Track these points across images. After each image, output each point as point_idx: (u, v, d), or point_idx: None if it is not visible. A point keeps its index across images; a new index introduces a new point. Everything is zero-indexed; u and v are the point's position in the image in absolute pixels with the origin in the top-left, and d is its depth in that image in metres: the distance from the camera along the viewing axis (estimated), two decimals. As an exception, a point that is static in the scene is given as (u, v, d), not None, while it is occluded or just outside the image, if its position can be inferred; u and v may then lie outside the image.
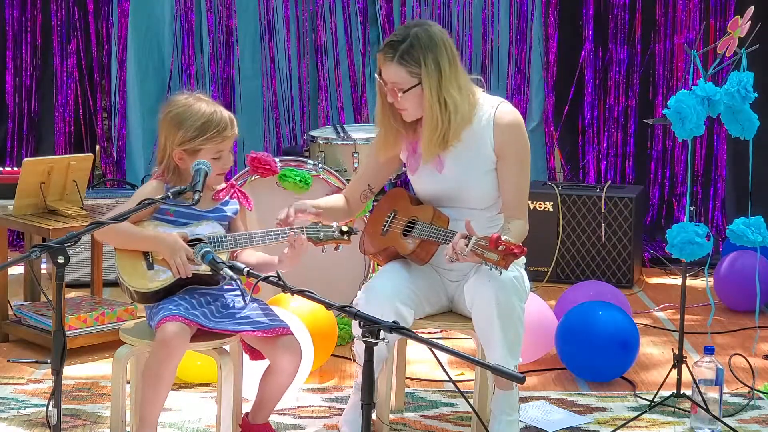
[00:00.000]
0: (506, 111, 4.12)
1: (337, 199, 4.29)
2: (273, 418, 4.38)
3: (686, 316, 4.82)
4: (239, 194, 4.06)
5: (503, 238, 3.74)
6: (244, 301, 3.76)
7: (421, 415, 4.49)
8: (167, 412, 4.42)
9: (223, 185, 4.04)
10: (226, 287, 3.97)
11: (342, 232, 3.99)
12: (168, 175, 3.95)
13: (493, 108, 4.11)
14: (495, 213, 4.18)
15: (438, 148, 4.06)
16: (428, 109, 4.01)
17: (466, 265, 4.05)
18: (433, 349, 2.99)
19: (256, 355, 4.00)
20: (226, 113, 3.95)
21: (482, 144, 4.10)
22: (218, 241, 3.90)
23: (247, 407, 4.38)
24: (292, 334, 3.91)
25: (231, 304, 3.95)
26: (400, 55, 3.98)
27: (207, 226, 3.93)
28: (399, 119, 4.13)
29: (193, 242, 3.86)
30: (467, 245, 3.78)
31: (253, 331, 3.87)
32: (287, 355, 3.90)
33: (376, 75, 4.09)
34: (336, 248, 4.02)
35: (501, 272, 3.81)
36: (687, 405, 4.43)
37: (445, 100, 4.00)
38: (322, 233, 3.97)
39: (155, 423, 3.86)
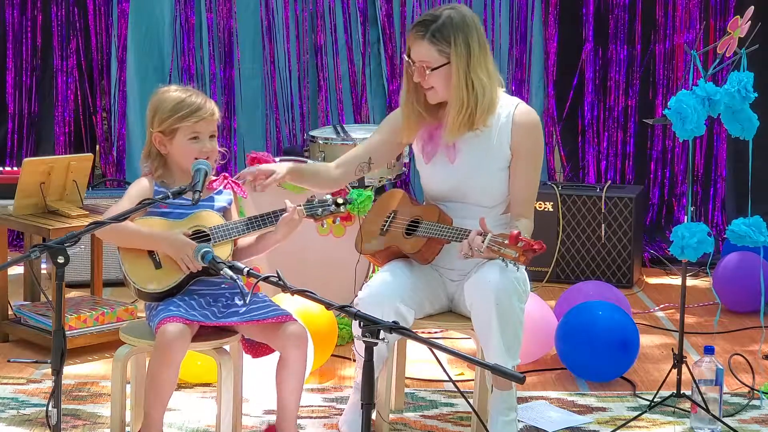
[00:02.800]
0: (525, 111, 4.16)
1: (322, 165, 4.31)
2: (272, 417, 4.38)
3: (686, 316, 4.82)
4: (232, 184, 4.07)
5: (523, 234, 3.76)
6: (244, 301, 3.75)
7: (421, 415, 4.49)
8: (167, 412, 4.42)
9: (214, 177, 4.05)
10: (225, 285, 3.97)
11: (338, 205, 4.03)
12: (151, 163, 3.96)
13: (513, 106, 4.15)
14: (501, 212, 4.19)
15: (464, 128, 4.08)
16: (455, 88, 4.04)
17: (467, 265, 4.07)
18: (433, 349, 2.99)
19: (257, 352, 3.99)
20: (202, 97, 3.97)
21: (499, 140, 4.12)
22: (221, 231, 3.90)
23: (248, 408, 4.38)
24: (296, 321, 3.90)
25: (231, 302, 3.94)
26: (431, 33, 4.03)
27: (207, 214, 3.93)
28: (422, 102, 4.14)
29: (195, 235, 3.86)
30: (484, 241, 3.80)
31: (257, 320, 3.86)
32: (293, 340, 3.86)
33: (404, 56, 4.11)
34: (333, 221, 4.10)
35: (518, 268, 3.85)
36: (687, 405, 4.43)
37: (472, 82, 4.04)
38: (320, 209, 4.02)
39: (160, 423, 3.86)
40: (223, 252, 3.87)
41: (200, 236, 3.89)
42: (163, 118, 3.92)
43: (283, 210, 3.98)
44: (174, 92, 3.96)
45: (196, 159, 3.88)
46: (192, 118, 3.91)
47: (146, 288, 3.87)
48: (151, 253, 3.89)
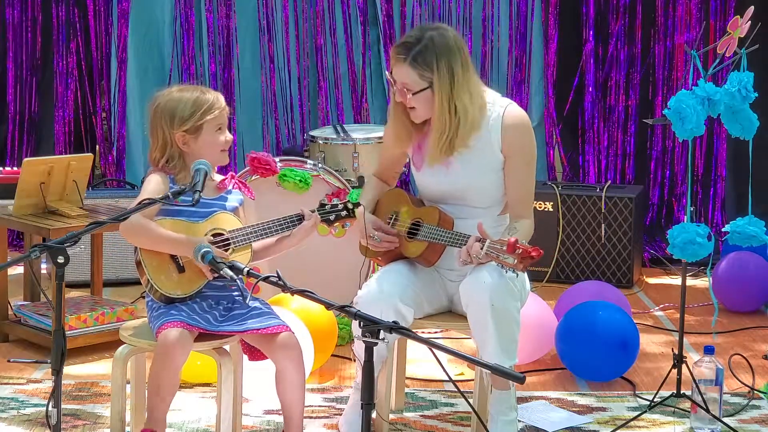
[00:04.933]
0: (513, 113, 4.13)
1: (381, 187, 4.37)
2: (271, 417, 4.39)
3: (686, 316, 4.82)
4: (240, 184, 4.07)
5: (520, 242, 3.76)
6: (245, 301, 3.76)
7: (421, 415, 4.49)
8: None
9: (221, 177, 4.06)
10: (229, 287, 3.96)
11: (348, 210, 4.08)
12: (171, 163, 3.95)
13: (502, 108, 4.13)
14: (498, 212, 4.19)
15: (443, 154, 4.08)
16: (438, 113, 4.02)
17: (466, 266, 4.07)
18: (433, 349, 2.99)
19: (255, 355, 4.00)
20: (210, 91, 4.00)
21: (490, 144, 4.11)
22: (240, 235, 3.91)
23: (248, 408, 4.38)
24: (289, 331, 3.89)
25: (232, 306, 3.94)
26: (412, 57, 3.99)
27: (223, 216, 3.94)
28: (408, 117, 4.14)
29: (215, 240, 3.87)
30: (482, 248, 3.80)
31: (252, 331, 3.86)
32: (284, 351, 3.87)
33: (386, 73, 4.10)
34: (343, 226, 4.15)
35: (517, 275, 3.87)
36: (687, 405, 4.43)
37: (455, 106, 4.02)
38: (332, 215, 4.07)
39: (164, 423, 3.86)
40: (244, 257, 3.89)
41: (220, 242, 3.89)
42: (186, 117, 3.92)
43: (301, 216, 4.00)
44: (184, 92, 3.97)
45: (222, 151, 3.93)
46: (214, 111, 3.94)
47: (171, 293, 3.86)
48: (173, 257, 3.88)
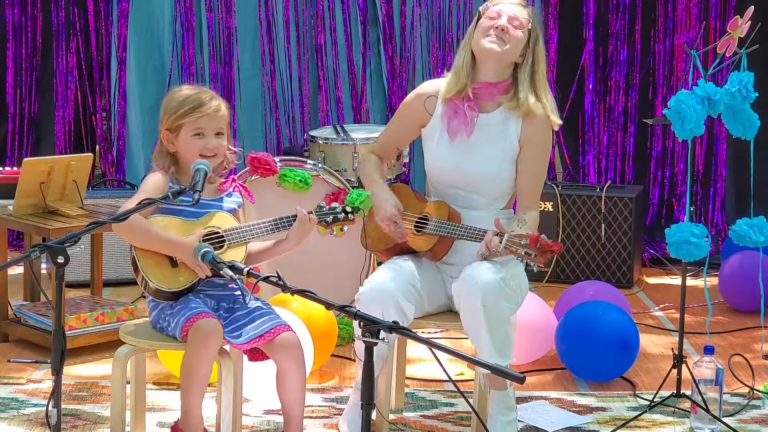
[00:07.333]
0: (535, 104, 4.18)
1: (379, 164, 4.38)
2: (271, 417, 4.39)
3: (686, 316, 4.82)
4: (241, 188, 4.07)
5: (541, 236, 3.80)
6: (245, 301, 3.76)
7: (421, 415, 4.49)
8: (167, 412, 4.43)
9: (222, 179, 4.05)
10: (230, 286, 3.96)
11: (347, 213, 4.06)
12: (161, 160, 3.96)
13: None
14: (502, 206, 4.21)
15: (527, 102, 4.13)
16: (541, 75, 4.17)
17: (467, 261, 4.07)
18: (433, 349, 2.99)
19: (255, 355, 3.99)
20: (210, 94, 3.98)
21: (509, 131, 4.16)
22: (235, 233, 3.90)
23: (248, 408, 4.38)
24: (289, 330, 3.89)
25: (233, 307, 3.94)
26: (530, 10, 4.18)
27: (221, 215, 3.94)
28: (472, 59, 4.18)
29: (209, 236, 3.87)
30: (501, 242, 3.82)
31: (254, 339, 3.85)
32: (285, 352, 3.87)
33: (481, 8, 4.16)
34: (341, 229, 4.13)
35: (535, 269, 3.90)
36: (687, 405, 4.43)
37: (544, 84, 4.18)
38: (330, 216, 4.04)
39: (200, 416, 3.87)
40: (237, 255, 3.88)
41: (215, 238, 3.89)
42: (169, 115, 3.93)
43: (296, 216, 3.98)
44: (184, 91, 3.98)
45: (201, 156, 3.88)
46: (195, 114, 3.91)
47: (163, 287, 3.86)
48: None
